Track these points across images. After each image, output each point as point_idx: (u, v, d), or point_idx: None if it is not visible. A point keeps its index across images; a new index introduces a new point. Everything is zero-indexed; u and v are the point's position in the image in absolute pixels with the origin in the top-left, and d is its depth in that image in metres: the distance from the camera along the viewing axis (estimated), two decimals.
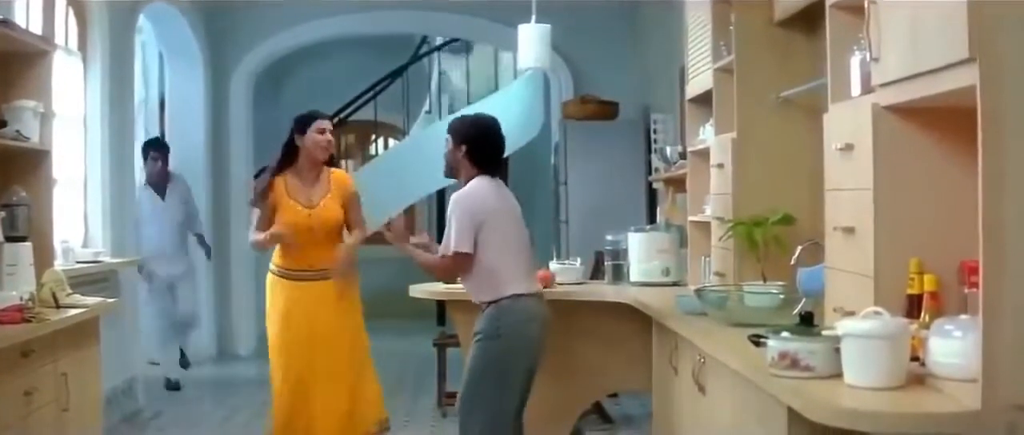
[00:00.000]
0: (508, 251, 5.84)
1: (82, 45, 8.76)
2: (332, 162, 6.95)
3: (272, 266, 6.86)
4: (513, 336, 5.77)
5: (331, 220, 6.82)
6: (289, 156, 6.84)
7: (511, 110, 13.01)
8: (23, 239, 6.14)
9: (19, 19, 6.73)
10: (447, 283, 6.47)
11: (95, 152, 8.81)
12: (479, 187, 5.86)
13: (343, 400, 6.81)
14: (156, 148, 10.48)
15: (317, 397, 6.77)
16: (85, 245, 8.58)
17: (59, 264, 6.94)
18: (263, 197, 6.79)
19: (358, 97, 14.96)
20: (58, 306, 6.00)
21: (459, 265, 5.81)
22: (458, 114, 6.52)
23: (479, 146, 5.92)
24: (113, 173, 8.93)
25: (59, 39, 8.05)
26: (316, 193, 6.81)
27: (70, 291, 6.27)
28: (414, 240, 6.13)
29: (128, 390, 9.03)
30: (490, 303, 5.81)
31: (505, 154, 6.13)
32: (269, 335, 6.89)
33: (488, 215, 5.78)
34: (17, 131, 6.15)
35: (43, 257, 6.32)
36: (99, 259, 8.34)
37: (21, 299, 5.58)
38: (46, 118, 6.44)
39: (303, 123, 6.83)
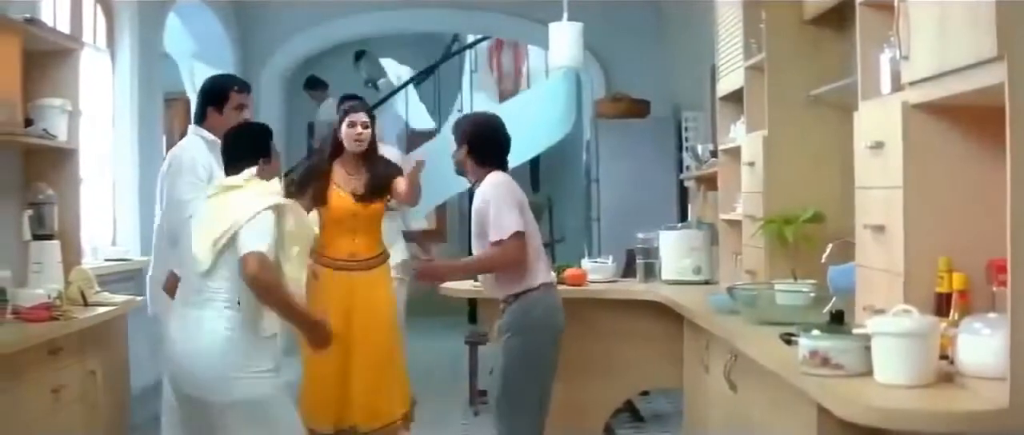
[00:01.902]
0: (532, 242, 5.82)
1: (110, 42, 8.79)
2: (372, 153, 7.02)
3: (315, 255, 6.92)
4: (542, 328, 5.76)
5: (375, 211, 6.99)
6: (335, 148, 7.02)
7: (544, 107, 13.04)
8: (50, 237, 6.18)
9: (46, 17, 6.77)
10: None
11: (123, 150, 8.84)
12: (504, 177, 5.84)
13: (377, 385, 6.97)
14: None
15: (351, 381, 6.93)
16: (114, 243, 8.62)
17: (87, 262, 6.97)
18: (302, 185, 6.90)
19: (389, 95, 14.97)
20: (86, 304, 6.05)
21: (518, 246, 5.65)
22: (461, 115, 6.53)
23: (478, 144, 5.88)
24: (142, 171, 8.94)
25: (87, 36, 8.07)
26: (361, 184, 6.91)
27: (98, 289, 6.31)
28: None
29: (159, 388, 9.04)
30: (515, 296, 5.76)
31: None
32: None
33: (522, 205, 5.77)
34: (44, 129, 6.19)
35: (71, 255, 6.36)
36: (127, 257, 8.37)
37: (48, 297, 5.62)
38: (73, 116, 6.48)
39: (341, 116, 7.03)
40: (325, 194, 6.88)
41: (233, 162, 4.99)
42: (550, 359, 5.80)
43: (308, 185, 6.91)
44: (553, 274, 6.04)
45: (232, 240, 4.66)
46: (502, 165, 5.91)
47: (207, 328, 4.68)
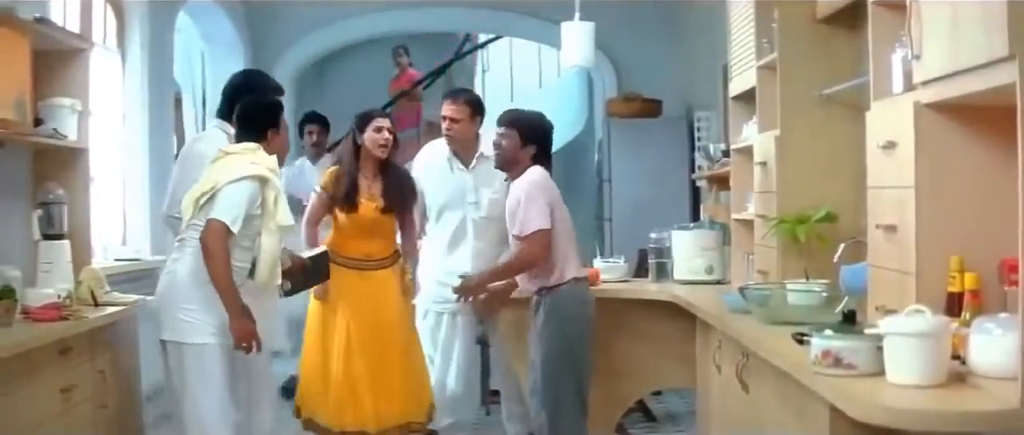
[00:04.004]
0: (568, 237, 6.06)
1: (120, 42, 8.79)
2: (390, 160, 7.02)
3: (331, 255, 6.95)
4: (576, 319, 5.99)
5: (392, 218, 7.00)
6: (355, 154, 6.99)
7: (555, 105, 13.03)
8: (60, 237, 6.17)
9: (56, 17, 6.75)
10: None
11: (133, 149, 8.83)
12: (544, 174, 6.07)
13: (398, 384, 6.96)
14: (311, 121, 9.53)
15: (374, 381, 6.91)
16: (124, 243, 8.61)
17: (97, 262, 6.96)
18: (348, 199, 6.91)
19: (401, 94, 14.97)
20: (96, 304, 6.04)
21: (541, 243, 5.91)
22: (512, 108, 6.53)
23: (539, 140, 6.14)
24: (152, 170, 8.93)
25: (97, 35, 8.06)
26: (379, 192, 6.94)
27: (108, 289, 6.31)
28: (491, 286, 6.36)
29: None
30: (547, 290, 5.97)
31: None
32: (314, 319, 7.03)
33: (555, 201, 6.01)
34: (54, 129, 6.17)
35: (81, 255, 6.35)
36: (138, 257, 8.37)
37: (58, 297, 5.62)
38: (83, 116, 6.47)
39: (362, 122, 6.98)
40: (356, 200, 6.89)
41: (243, 132, 5.51)
42: (585, 349, 6.00)
43: (350, 197, 6.91)
44: (585, 269, 6.30)
45: (212, 199, 5.18)
46: (548, 163, 6.19)
47: (172, 267, 5.36)
